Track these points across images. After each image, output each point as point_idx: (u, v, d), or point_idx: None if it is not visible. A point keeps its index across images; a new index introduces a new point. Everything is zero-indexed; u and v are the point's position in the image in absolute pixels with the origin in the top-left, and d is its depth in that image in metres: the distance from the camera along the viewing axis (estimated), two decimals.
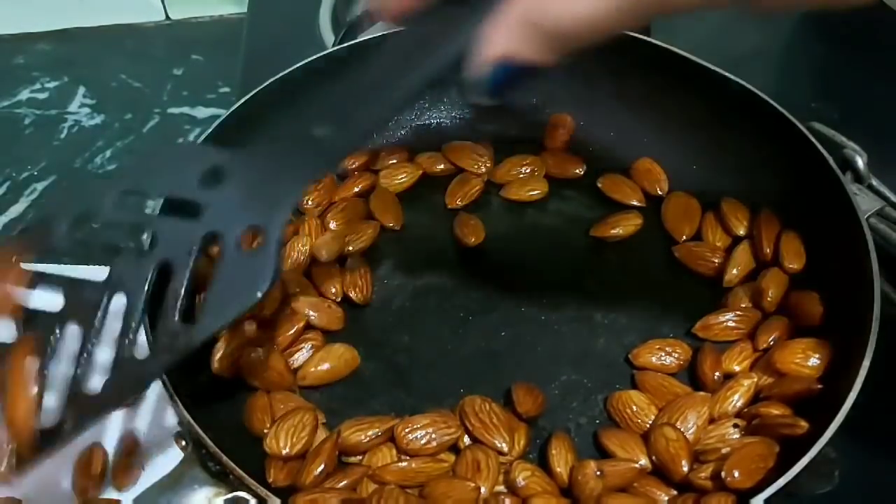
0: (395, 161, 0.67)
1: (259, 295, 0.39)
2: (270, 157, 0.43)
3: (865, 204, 0.56)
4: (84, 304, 0.42)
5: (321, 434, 0.53)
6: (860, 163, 0.57)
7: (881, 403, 0.54)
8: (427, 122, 0.71)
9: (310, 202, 0.65)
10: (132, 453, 0.55)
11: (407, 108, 0.40)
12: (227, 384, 0.55)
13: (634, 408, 0.53)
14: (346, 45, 0.68)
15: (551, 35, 0.37)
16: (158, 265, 0.41)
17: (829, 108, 0.71)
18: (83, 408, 0.41)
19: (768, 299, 0.56)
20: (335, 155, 0.43)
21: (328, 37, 0.82)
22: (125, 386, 0.41)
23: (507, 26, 0.37)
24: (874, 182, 0.58)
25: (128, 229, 0.43)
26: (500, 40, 0.38)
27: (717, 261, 0.60)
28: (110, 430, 0.56)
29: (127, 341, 0.41)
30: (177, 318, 0.41)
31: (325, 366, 0.56)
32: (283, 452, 0.51)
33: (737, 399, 0.53)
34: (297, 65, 0.64)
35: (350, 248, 0.62)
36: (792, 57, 0.83)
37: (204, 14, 0.98)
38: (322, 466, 0.49)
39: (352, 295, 0.60)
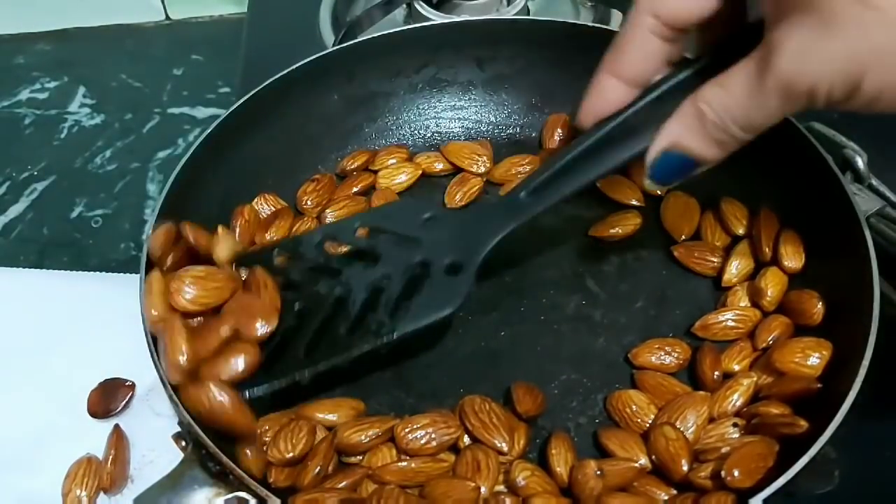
0: (394, 161, 0.67)
1: (452, 309, 0.51)
2: (474, 213, 0.60)
3: (865, 204, 0.56)
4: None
5: (321, 433, 0.53)
6: (860, 163, 0.57)
7: (881, 403, 0.54)
8: (426, 122, 0.71)
9: (309, 202, 0.65)
10: (122, 461, 0.55)
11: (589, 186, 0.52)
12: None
13: (634, 407, 0.53)
14: (346, 44, 0.68)
15: (721, 129, 0.43)
16: (382, 276, 0.53)
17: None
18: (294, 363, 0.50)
19: (767, 299, 0.56)
20: (526, 216, 0.53)
21: (328, 37, 0.82)
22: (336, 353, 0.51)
23: (682, 118, 0.44)
24: (874, 182, 0.58)
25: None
26: (673, 131, 0.44)
27: (716, 260, 0.60)
28: (102, 440, 0.56)
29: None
30: (387, 315, 0.51)
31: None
32: (288, 456, 0.50)
33: (736, 398, 0.53)
34: (297, 64, 0.64)
35: None
36: None
37: (204, 14, 0.98)
38: (319, 467, 0.49)
39: None
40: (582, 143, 0.50)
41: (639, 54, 0.47)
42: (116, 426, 0.57)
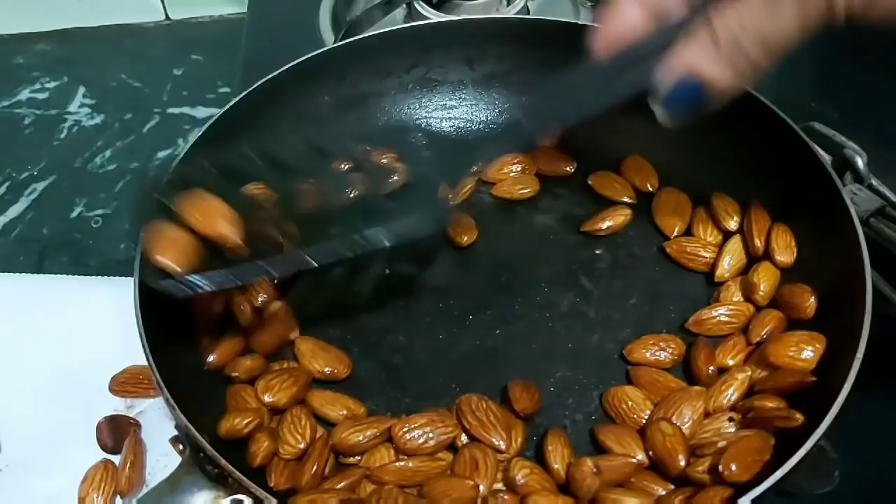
0: (385, 161, 0.67)
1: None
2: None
3: (865, 204, 0.56)
4: None
5: (319, 431, 0.53)
6: (860, 163, 0.57)
7: (881, 403, 0.54)
8: (417, 121, 0.71)
9: None
10: (139, 466, 0.56)
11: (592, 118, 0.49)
12: (225, 387, 0.56)
13: (630, 403, 0.54)
14: (335, 45, 0.68)
15: (734, 45, 0.40)
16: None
17: (829, 108, 0.70)
18: None
19: (760, 293, 0.57)
20: (524, 142, 0.56)
21: (328, 37, 0.82)
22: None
23: (695, 40, 0.41)
24: (874, 182, 0.58)
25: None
26: (689, 55, 0.41)
27: (708, 256, 0.60)
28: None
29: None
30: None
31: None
32: (301, 447, 0.51)
33: (731, 393, 0.53)
34: (287, 66, 0.64)
35: None
36: (792, 57, 0.83)
37: (204, 14, 0.98)
38: (315, 466, 0.50)
39: None
40: (589, 73, 0.49)
41: None
42: (134, 430, 0.57)
